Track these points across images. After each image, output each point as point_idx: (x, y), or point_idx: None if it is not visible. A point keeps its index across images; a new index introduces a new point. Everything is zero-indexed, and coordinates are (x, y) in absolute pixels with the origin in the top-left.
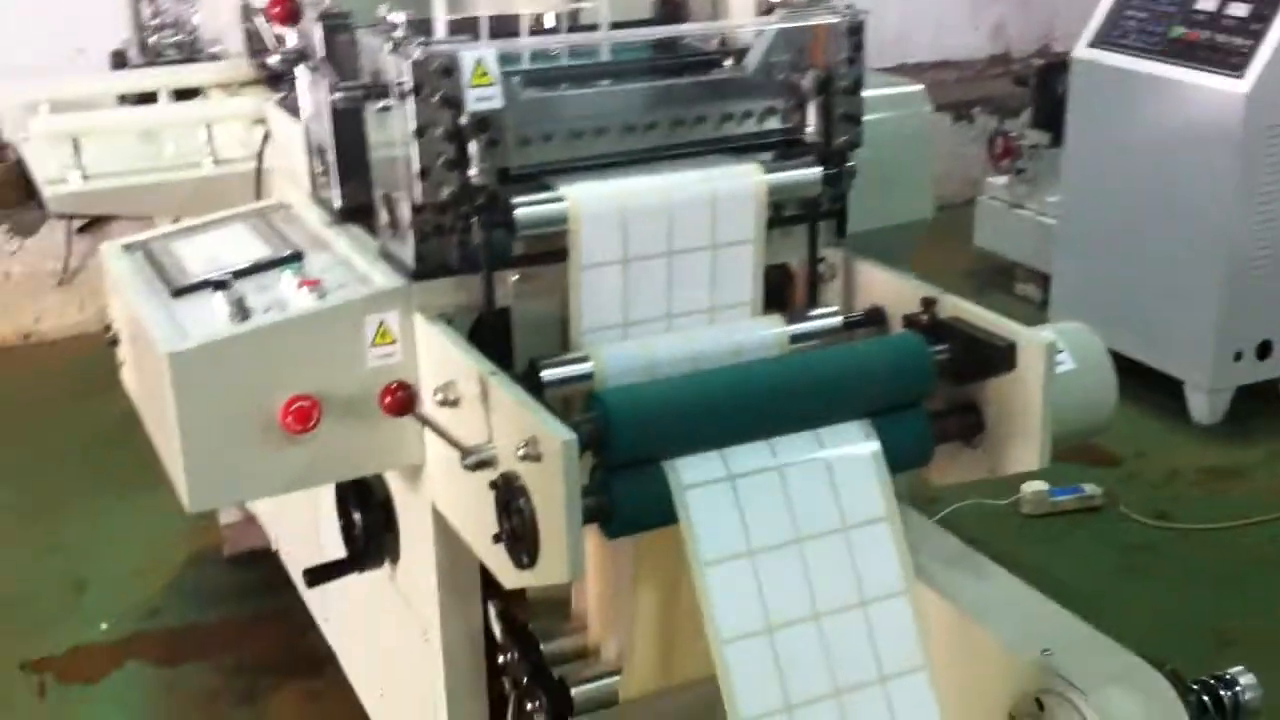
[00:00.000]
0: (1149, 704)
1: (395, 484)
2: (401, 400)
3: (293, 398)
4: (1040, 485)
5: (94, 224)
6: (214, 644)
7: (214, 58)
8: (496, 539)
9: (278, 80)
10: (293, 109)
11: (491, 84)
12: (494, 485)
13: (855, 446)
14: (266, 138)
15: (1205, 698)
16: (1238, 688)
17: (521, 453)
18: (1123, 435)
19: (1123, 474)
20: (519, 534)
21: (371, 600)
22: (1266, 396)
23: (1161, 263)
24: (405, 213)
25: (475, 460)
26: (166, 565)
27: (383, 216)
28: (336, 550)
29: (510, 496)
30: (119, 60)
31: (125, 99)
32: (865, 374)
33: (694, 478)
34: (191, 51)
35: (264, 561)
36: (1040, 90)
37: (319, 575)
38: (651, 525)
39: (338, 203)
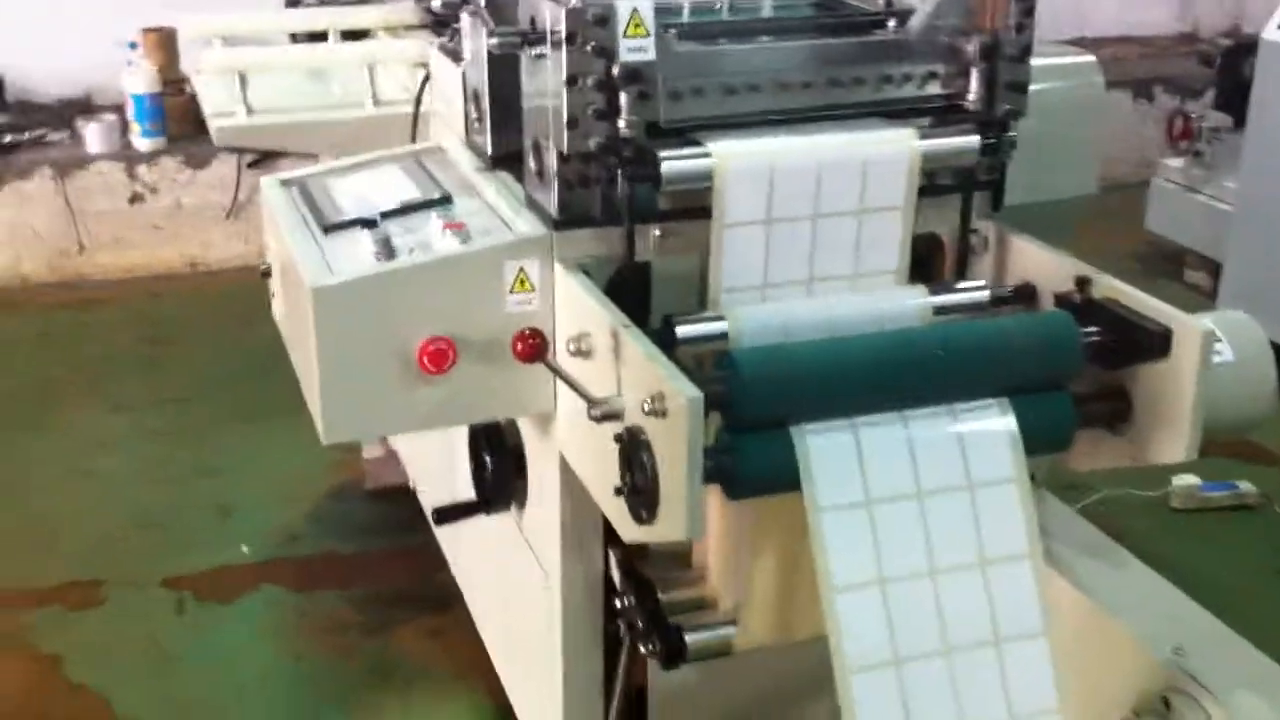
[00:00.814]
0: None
1: (527, 431)
2: (533, 347)
3: (430, 338)
4: (1192, 479)
5: (264, 160)
6: (348, 574)
7: (383, 0)
8: (618, 492)
9: (442, 25)
10: (453, 54)
11: (645, 35)
12: (619, 438)
13: (991, 423)
14: (426, 81)
15: None
16: None
17: (648, 408)
18: None
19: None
20: (640, 489)
21: (499, 543)
22: None
23: None
24: (551, 161)
25: (602, 412)
26: (310, 494)
27: (530, 164)
28: (469, 492)
29: (634, 451)
30: None
31: (296, 37)
32: (1008, 350)
33: (820, 446)
34: None
35: (403, 498)
36: (1225, 71)
37: (447, 515)
38: (775, 489)
39: (489, 149)
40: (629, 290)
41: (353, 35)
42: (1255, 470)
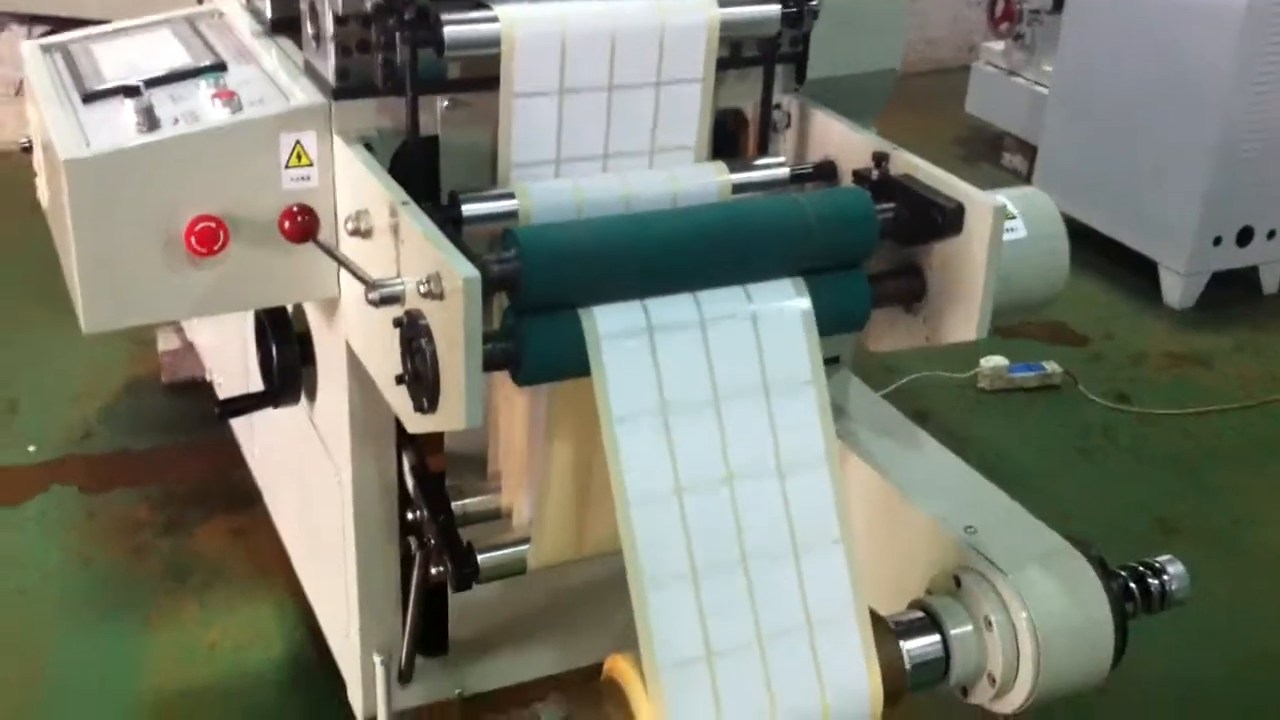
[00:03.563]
0: (1069, 587)
1: (314, 317)
2: (303, 225)
3: (198, 217)
4: (1000, 360)
5: (56, 31)
6: (143, 472)
7: None
8: (399, 380)
9: None
10: None
11: None
12: (398, 323)
13: (786, 303)
14: None
15: (1131, 585)
16: (1165, 576)
17: (424, 289)
18: (1091, 315)
19: (1088, 354)
20: (421, 375)
21: (292, 437)
22: (1240, 284)
23: (1149, 140)
24: (328, 24)
25: (380, 295)
26: (103, 390)
27: (307, 28)
28: (260, 384)
29: (414, 335)
30: None
31: None
32: (803, 227)
33: (610, 327)
34: None
35: (201, 392)
36: None
37: (232, 407)
38: (563, 375)
39: (268, 11)
40: (415, 166)
41: None
42: (1062, 351)
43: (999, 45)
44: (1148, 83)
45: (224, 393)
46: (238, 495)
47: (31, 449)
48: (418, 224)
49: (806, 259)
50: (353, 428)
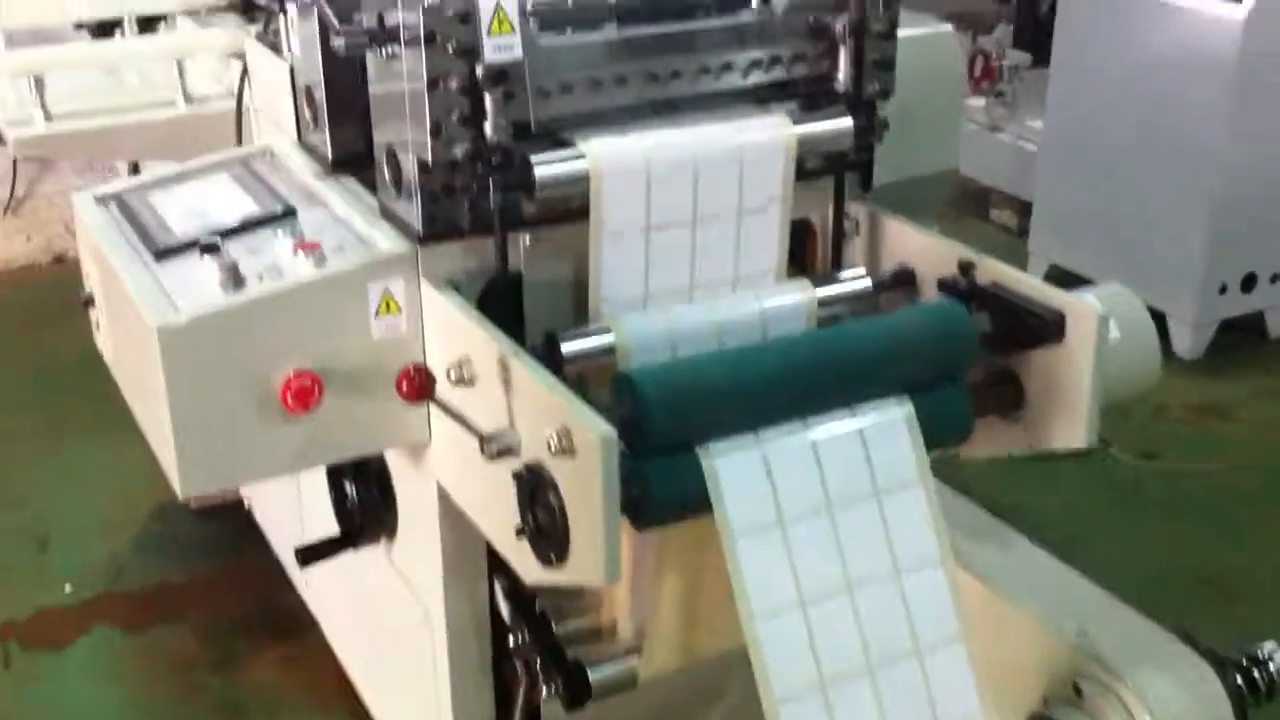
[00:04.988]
0: (1189, 687)
1: (395, 458)
2: (420, 386)
3: (294, 373)
4: None
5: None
6: (185, 604)
7: None
8: (520, 533)
9: (253, 8)
10: (273, 45)
11: (511, 31)
12: (518, 476)
13: (892, 424)
14: (245, 75)
15: (1243, 677)
16: (1274, 664)
17: (554, 446)
18: None
19: (1108, 410)
20: (546, 530)
21: (363, 573)
22: (1247, 330)
23: (1146, 191)
24: (413, 171)
25: (498, 449)
26: (131, 518)
27: (385, 173)
28: (319, 511)
29: (537, 490)
30: None
31: (83, 28)
32: (906, 348)
33: (730, 469)
34: None
35: (233, 513)
36: (1022, 7)
37: (313, 554)
38: (685, 515)
39: (330, 152)
40: (502, 304)
41: (148, 22)
42: None
43: (980, 102)
44: (1141, 134)
45: (266, 519)
46: (285, 622)
47: (68, 588)
48: (535, 375)
49: (910, 376)
50: (445, 568)
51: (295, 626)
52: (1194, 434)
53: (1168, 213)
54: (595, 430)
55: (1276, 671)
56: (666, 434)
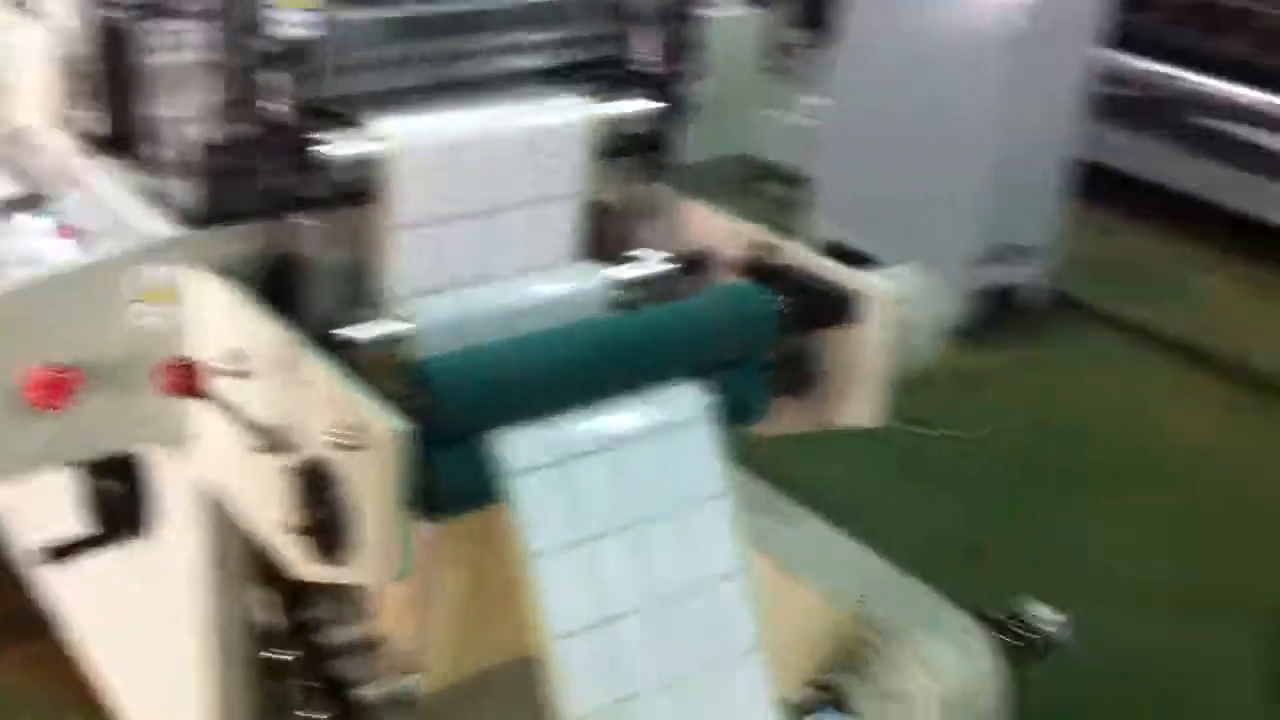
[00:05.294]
0: (965, 650)
1: (150, 449)
2: (184, 380)
3: (42, 367)
4: None
5: None
6: None
7: None
8: (298, 530)
9: None
10: (33, 11)
11: (305, 7)
12: (298, 472)
13: (690, 411)
14: None
15: (1019, 638)
16: (1046, 625)
17: (342, 441)
18: None
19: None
20: (329, 526)
21: (114, 572)
22: (1007, 301)
23: (919, 166)
24: (191, 150)
25: (274, 443)
26: None
27: (156, 152)
28: (62, 509)
29: (318, 486)
30: None
31: None
32: (704, 331)
33: (522, 457)
34: None
35: None
36: None
37: (62, 553)
38: (475, 506)
39: (94, 130)
40: (283, 292)
41: None
42: None
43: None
44: (916, 113)
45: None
46: (31, 619)
47: None
48: (321, 368)
49: (707, 360)
50: (207, 567)
51: (40, 623)
52: (961, 402)
53: (935, 188)
54: (387, 424)
55: (1039, 627)
56: (458, 423)
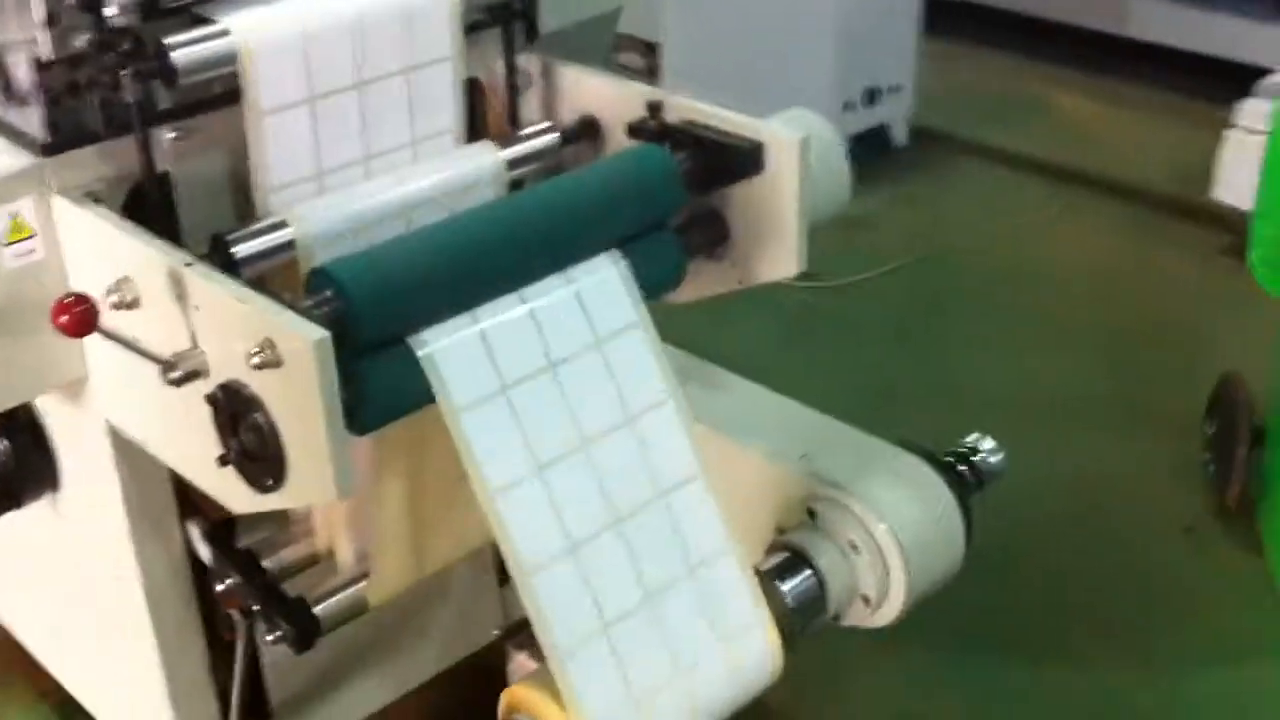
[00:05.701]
0: (915, 489)
1: (45, 402)
2: (83, 316)
3: None
4: None
5: None
6: None
7: None
8: (224, 461)
9: None
10: None
11: None
12: (213, 400)
13: (607, 281)
14: None
15: (961, 470)
16: (981, 455)
17: (257, 360)
18: None
19: None
20: (257, 453)
21: (23, 534)
22: (873, 143)
23: (768, 25)
24: (26, 72)
25: (184, 372)
26: None
27: None
28: None
29: (239, 410)
30: None
31: None
32: (613, 199)
33: (447, 352)
34: None
35: None
36: None
37: None
38: (405, 411)
39: None
40: (150, 212)
41: None
42: None
43: None
44: None
45: None
46: None
47: None
48: (220, 288)
49: (620, 230)
50: (129, 514)
51: None
52: (843, 250)
53: (789, 43)
54: (305, 335)
55: (982, 459)
56: (376, 329)
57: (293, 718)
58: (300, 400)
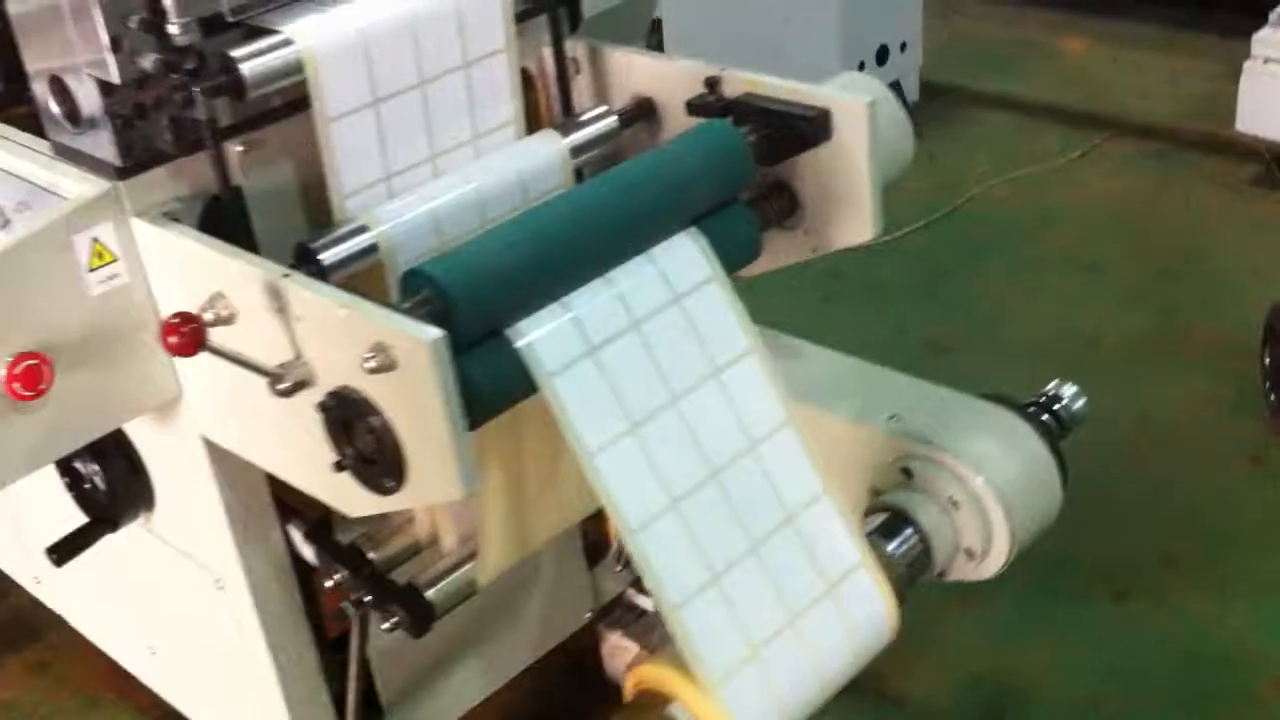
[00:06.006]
0: (1006, 440)
1: (137, 423)
2: (193, 335)
3: (15, 357)
4: None
5: None
6: None
7: None
8: (340, 467)
9: None
10: None
11: None
12: (324, 407)
13: (693, 263)
14: None
15: (1048, 417)
16: (1064, 401)
17: (371, 364)
18: None
19: None
20: (373, 456)
21: (120, 555)
22: None
23: None
24: (93, 97)
25: (293, 382)
26: None
27: (53, 106)
28: (40, 495)
29: (351, 416)
30: None
31: None
32: (688, 178)
33: (547, 345)
34: None
35: None
36: None
37: (67, 548)
38: (509, 404)
39: None
40: (225, 227)
41: None
42: None
43: None
44: None
45: None
46: (26, 626)
47: None
48: (322, 296)
49: (694, 207)
50: (232, 525)
51: (36, 629)
52: None
53: (796, 6)
54: (420, 337)
55: (1065, 406)
56: (476, 325)
57: (403, 713)
58: (417, 401)
